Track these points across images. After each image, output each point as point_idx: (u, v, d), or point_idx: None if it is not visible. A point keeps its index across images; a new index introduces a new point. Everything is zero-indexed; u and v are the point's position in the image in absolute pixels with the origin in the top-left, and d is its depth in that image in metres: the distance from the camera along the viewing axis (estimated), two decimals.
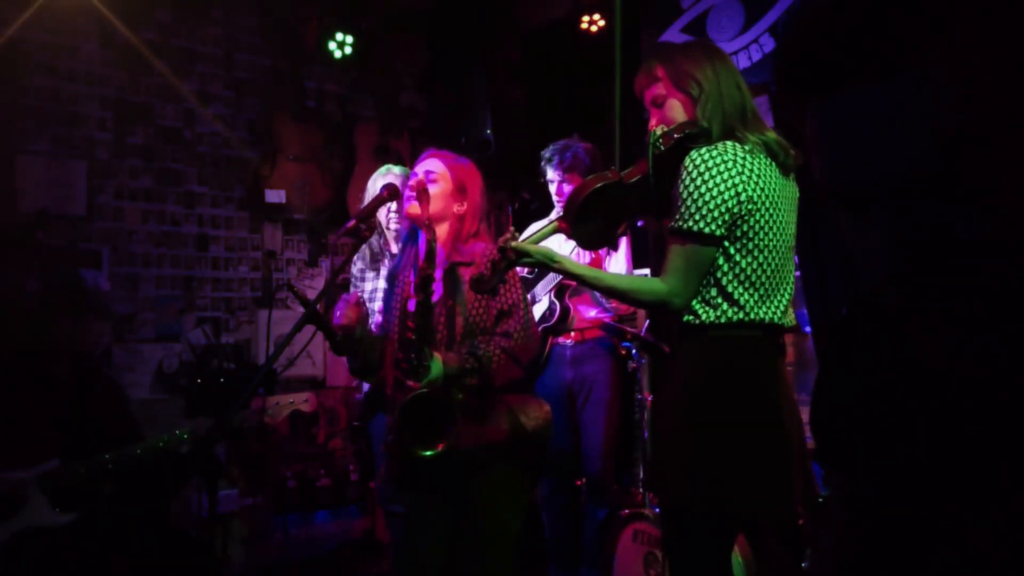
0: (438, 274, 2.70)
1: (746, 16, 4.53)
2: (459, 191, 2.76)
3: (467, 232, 2.75)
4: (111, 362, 4.94)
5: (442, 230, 2.75)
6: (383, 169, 3.81)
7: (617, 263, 3.94)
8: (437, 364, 2.48)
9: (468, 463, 2.57)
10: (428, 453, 2.39)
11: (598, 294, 3.83)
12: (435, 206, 2.71)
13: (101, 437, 3.17)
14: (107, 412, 3.34)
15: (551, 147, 3.96)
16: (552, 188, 3.94)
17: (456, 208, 2.75)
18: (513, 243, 2.22)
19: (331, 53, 5.60)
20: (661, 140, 2.15)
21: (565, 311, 3.92)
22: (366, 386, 3.97)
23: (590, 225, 2.24)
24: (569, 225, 2.24)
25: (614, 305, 3.92)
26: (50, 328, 3.23)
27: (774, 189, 2.13)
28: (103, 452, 3.09)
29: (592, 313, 3.94)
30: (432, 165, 2.79)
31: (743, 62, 4.49)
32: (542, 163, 3.96)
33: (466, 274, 2.63)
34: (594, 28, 5.25)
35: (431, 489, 2.70)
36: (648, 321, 3.84)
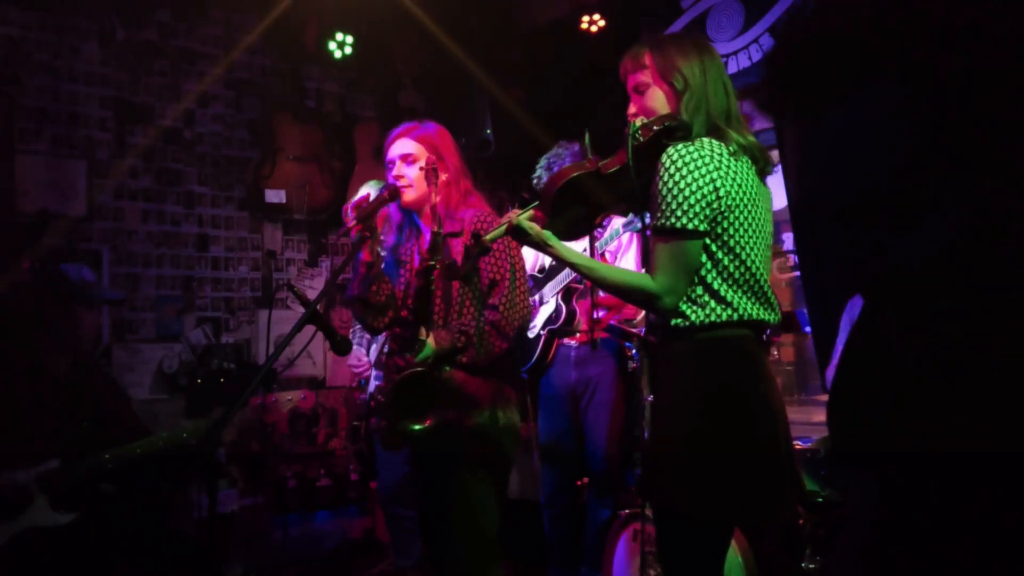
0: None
1: (746, 16, 4.53)
2: (439, 159, 2.75)
3: (456, 198, 2.74)
4: (111, 362, 4.94)
5: (433, 202, 2.74)
6: (372, 183, 3.86)
7: (626, 263, 3.93)
8: (430, 344, 2.53)
9: (443, 445, 2.62)
10: (417, 427, 2.48)
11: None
12: (421, 185, 2.72)
13: (101, 437, 3.17)
14: (107, 411, 3.34)
15: (539, 165, 3.96)
16: None
17: (444, 176, 2.73)
18: (515, 219, 2.17)
19: (331, 53, 5.61)
20: (640, 131, 2.10)
21: (571, 314, 3.91)
22: (372, 386, 3.97)
23: (566, 215, 2.17)
24: (545, 214, 2.17)
25: (625, 310, 3.91)
26: (46, 326, 3.23)
27: (752, 188, 2.11)
28: (103, 452, 3.09)
29: (600, 314, 3.93)
30: (406, 147, 2.77)
31: (743, 62, 4.49)
32: (534, 182, 3.97)
33: (456, 244, 2.65)
34: (594, 28, 5.24)
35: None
36: (647, 322, 3.83)
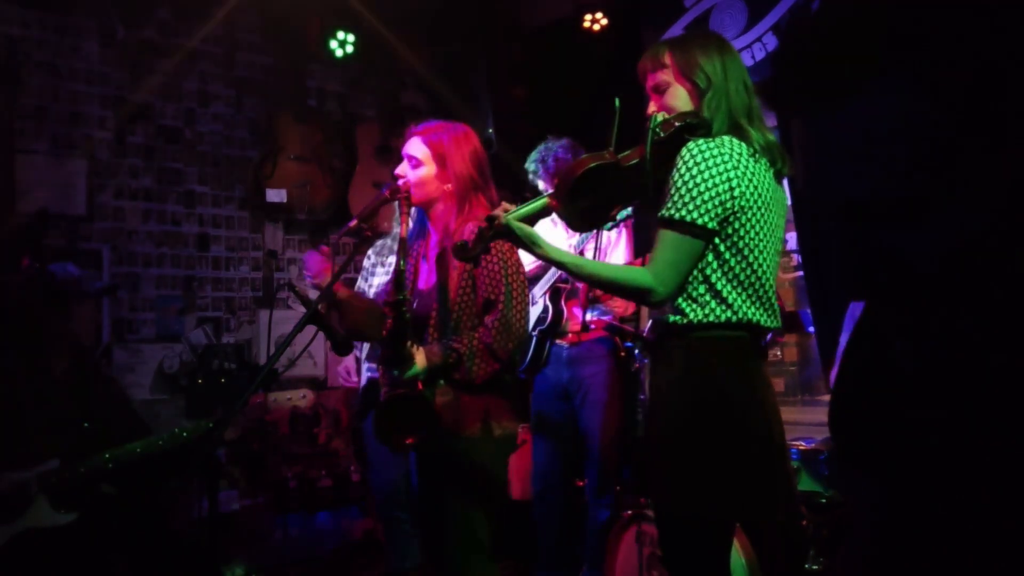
0: (432, 255, 2.72)
1: (749, 15, 4.51)
2: (442, 168, 2.71)
3: (458, 211, 2.70)
4: (111, 362, 4.93)
5: (436, 212, 2.75)
6: None
7: (617, 256, 3.91)
8: (420, 359, 2.50)
9: (437, 455, 2.62)
10: (399, 446, 2.49)
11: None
12: (425, 190, 2.70)
13: (101, 437, 3.17)
14: (107, 411, 3.34)
15: (531, 159, 3.96)
16: None
17: (447, 187, 2.71)
18: (501, 215, 2.15)
19: (332, 52, 5.58)
20: (661, 126, 2.11)
21: (558, 315, 3.88)
22: (363, 379, 3.95)
23: (580, 204, 2.16)
24: (559, 202, 2.16)
25: (614, 307, 3.89)
26: (42, 325, 3.23)
27: (767, 191, 2.11)
28: (103, 452, 3.08)
29: (591, 315, 3.91)
30: (413, 148, 2.74)
31: (746, 61, 4.44)
32: (530, 177, 3.96)
33: (454, 260, 2.62)
34: (596, 27, 5.23)
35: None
36: (651, 321, 3.81)
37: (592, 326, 3.89)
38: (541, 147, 3.97)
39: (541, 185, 3.89)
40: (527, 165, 3.98)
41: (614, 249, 3.92)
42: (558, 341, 3.96)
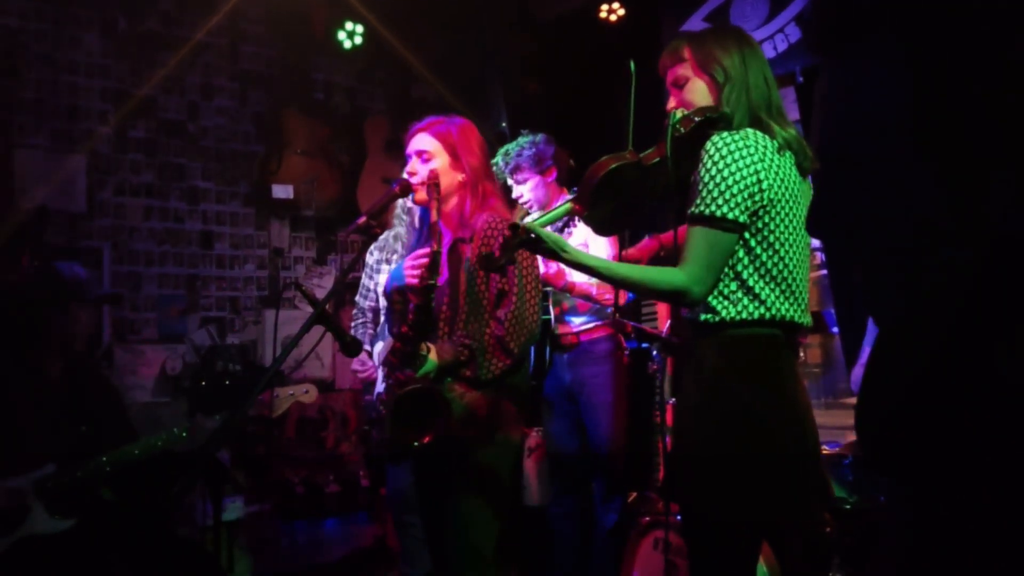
0: (443, 251, 2.70)
1: (771, 5, 4.45)
2: (455, 160, 2.70)
3: (473, 203, 2.69)
4: (112, 363, 4.91)
5: (450, 205, 2.72)
6: None
7: (597, 249, 3.81)
8: (433, 355, 2.50)
9: (440, 458, 2.59)
10: (416, 444, 2.45)
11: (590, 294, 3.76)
12: (441, 184, 2.66)
13: (98, 440, 3.12)
14: (104, 413, 3.29)
15: (515, 152, 3.86)
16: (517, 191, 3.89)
17: (460, 178, 2.70)
18: (526, 224, 2.14)
19: (340, 44, 5.54)
20: (680, 123, 2.11)
21: (545, 321, 3.83)
22: (379, 387, 3.88)
23: (605, 208, 2.16)
24: (584, 207, 2.14)
25: (602, 296, 3.80)
26: (40, 324, 3.18)
27: (794, 184, 2.10)
28: (100, 455, 3.03)
29: (582, 319, 3.88)
30: (422, 143, 2.72)
31: (768, 52, 4.39)
32: (510, 169, 3.87)
33: (466, 251, 2.62)
34: (613, 17, 5.17)
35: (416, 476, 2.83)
36: (670, 322, 3.75)
37: (583, 336, 3.87)
38: (506, 147, 3.89)
39: (523, 178, 3.83)
40: (505, 160, 3.86)
41: (596, 244, 3.82)
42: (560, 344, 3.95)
